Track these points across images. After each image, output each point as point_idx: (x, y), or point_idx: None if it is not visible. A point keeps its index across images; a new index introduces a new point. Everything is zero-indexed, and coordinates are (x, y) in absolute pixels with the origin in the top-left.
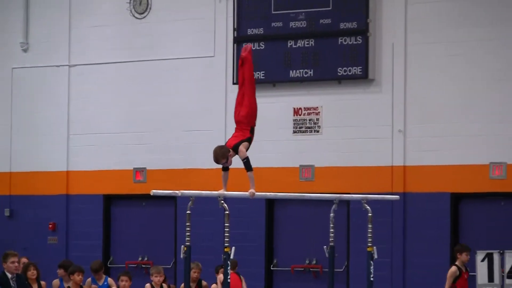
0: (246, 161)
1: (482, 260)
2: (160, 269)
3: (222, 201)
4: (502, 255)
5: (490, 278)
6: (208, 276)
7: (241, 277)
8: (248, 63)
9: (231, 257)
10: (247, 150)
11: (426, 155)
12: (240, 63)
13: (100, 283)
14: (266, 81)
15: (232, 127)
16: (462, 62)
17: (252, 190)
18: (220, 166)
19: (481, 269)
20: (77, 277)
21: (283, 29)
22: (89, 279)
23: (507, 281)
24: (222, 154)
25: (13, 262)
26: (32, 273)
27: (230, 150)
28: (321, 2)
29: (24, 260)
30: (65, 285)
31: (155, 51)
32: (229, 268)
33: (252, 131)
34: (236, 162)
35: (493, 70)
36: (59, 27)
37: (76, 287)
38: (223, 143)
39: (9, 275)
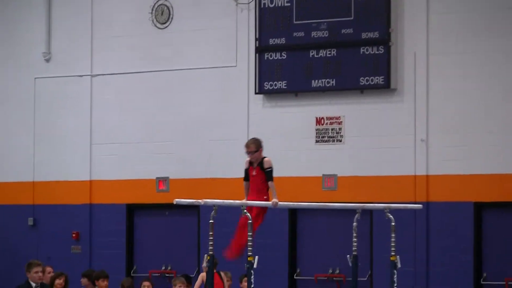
0: (270, 171)
1: None
2: (183, 280)
3: (245, 210)
4: None
5: None
6: (231, 285)
7: (222, 276)
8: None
9: (255, 266)
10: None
11: (449, 164)
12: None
13: None
14: (288, 91)
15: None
16: (484, 72)
17: (275, 200)
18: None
19: None
20: (102, 283)
21: (305, 39)
22: None
23: None
24: (253, 141)
25: (37, 272)
26: (59, 283)
27: (262, 145)
28: (343, 12)
29: (49, 269)
30: None
31: (177, 60)
32: (252, 277)
33: None
34: None
35: None
36: (81, 37)
37: None
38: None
39: (33, 284)
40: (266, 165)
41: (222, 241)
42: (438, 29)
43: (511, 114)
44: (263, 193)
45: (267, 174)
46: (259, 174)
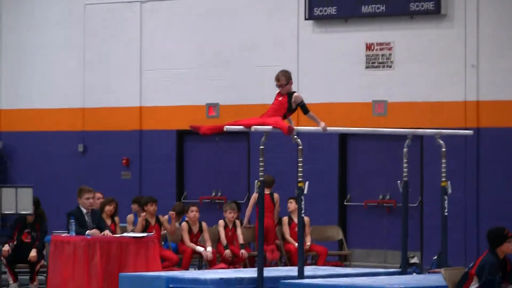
0: (304, 104)
1: None
2: (233, 206)
3: (296, 136)
4: None
5: None
6: (280, 210)
7: (275, 198)
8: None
9: (305, 192)
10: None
11: (500, 90)
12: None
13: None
14: (338, 17)
15: (303, 65)
16: None
17: (323, 124)
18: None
19: None
20: (151, 207)
21: None
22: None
23: None
24: (283, 73)
25: (88, 198)
26: (109, 209)
27: (291, 78)
28: None
29: (98, 195)
30: (139, 219)
31: None
32: (302, 203)
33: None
34: (308, 97)
35: None
36: None
37: (151, 218)
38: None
39: (84, 210)
40: (297, 100)
41: (272, 167)
42: None
43: None
44: (280, 112)
45: (303, 108)
46: (284, 101)
